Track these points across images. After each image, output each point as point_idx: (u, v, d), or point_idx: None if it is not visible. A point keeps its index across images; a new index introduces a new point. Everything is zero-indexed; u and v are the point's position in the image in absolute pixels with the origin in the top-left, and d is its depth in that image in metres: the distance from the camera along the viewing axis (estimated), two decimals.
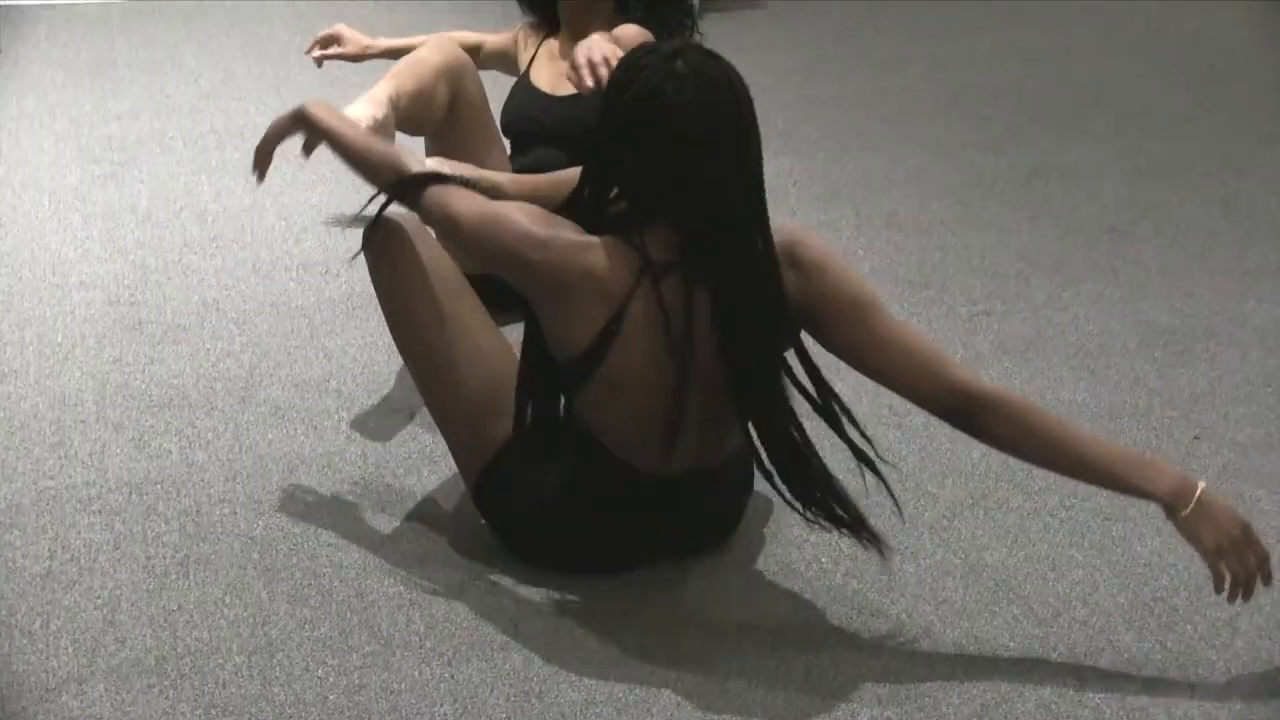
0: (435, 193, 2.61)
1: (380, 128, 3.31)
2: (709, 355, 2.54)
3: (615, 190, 2.56)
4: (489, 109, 3.65)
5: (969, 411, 2.50)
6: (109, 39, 5.83)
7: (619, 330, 2.52)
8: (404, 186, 2.66)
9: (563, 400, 2.67)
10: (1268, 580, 2.44)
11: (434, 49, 3.57)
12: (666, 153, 2.47)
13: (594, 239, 2.53)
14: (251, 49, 5.76)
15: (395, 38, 4.04)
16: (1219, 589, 2.43)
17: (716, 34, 5.99)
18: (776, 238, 2.54)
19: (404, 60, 3.57)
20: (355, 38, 3.99)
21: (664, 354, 2.54)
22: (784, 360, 2.57)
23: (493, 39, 3.97)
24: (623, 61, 2.54)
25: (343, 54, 3.99)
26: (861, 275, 2.62)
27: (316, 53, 4.00)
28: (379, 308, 2.82)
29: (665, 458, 2.60)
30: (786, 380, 2.56)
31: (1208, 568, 2.43)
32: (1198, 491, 2.41)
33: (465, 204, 2.58)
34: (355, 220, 3.01)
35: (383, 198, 2.70)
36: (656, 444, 2.59)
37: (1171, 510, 2.43)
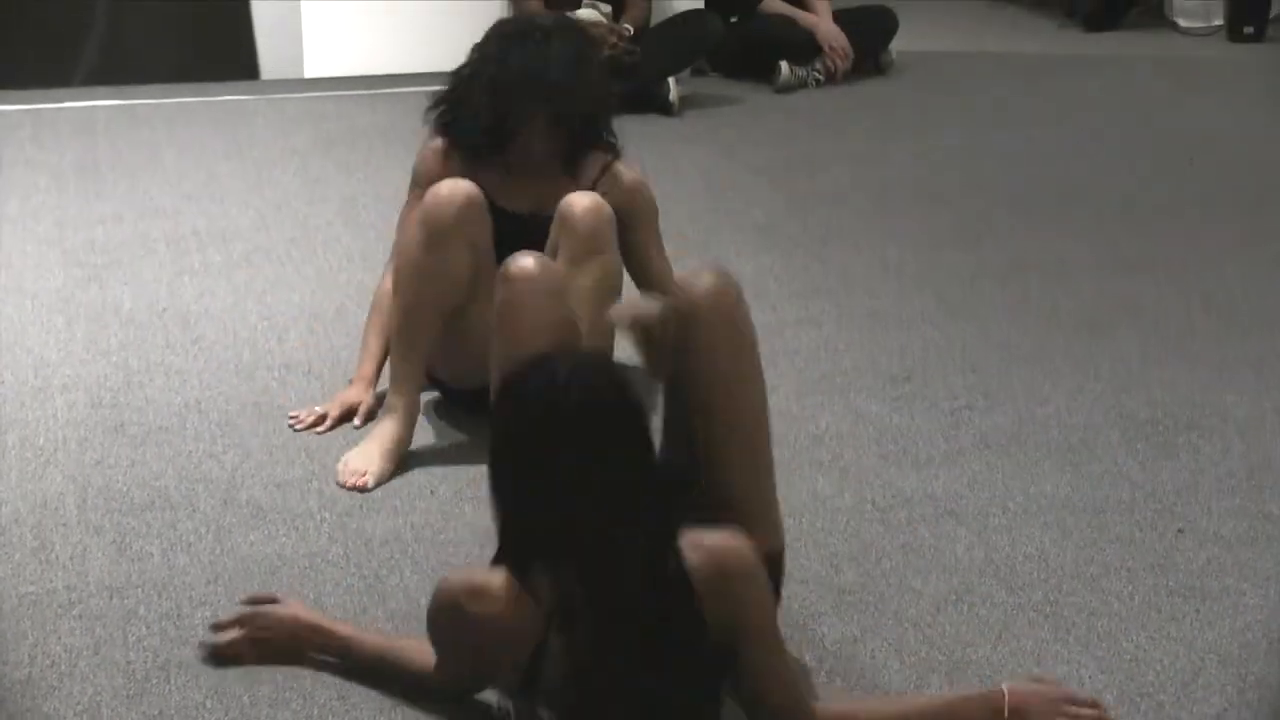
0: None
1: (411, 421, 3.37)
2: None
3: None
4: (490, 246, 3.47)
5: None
6: (92, 142, 5.86)
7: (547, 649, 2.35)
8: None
9: None
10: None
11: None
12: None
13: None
14: (234, 151, 5.79)
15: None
16: None
17: (694, 131, 6.06)
18: (697, 555, 2.32)
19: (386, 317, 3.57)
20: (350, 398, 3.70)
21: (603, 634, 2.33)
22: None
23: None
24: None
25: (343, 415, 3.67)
26: (773, 603, 2.48)
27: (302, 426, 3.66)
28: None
29: None
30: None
31: None
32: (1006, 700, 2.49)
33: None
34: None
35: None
36: None
37: None
